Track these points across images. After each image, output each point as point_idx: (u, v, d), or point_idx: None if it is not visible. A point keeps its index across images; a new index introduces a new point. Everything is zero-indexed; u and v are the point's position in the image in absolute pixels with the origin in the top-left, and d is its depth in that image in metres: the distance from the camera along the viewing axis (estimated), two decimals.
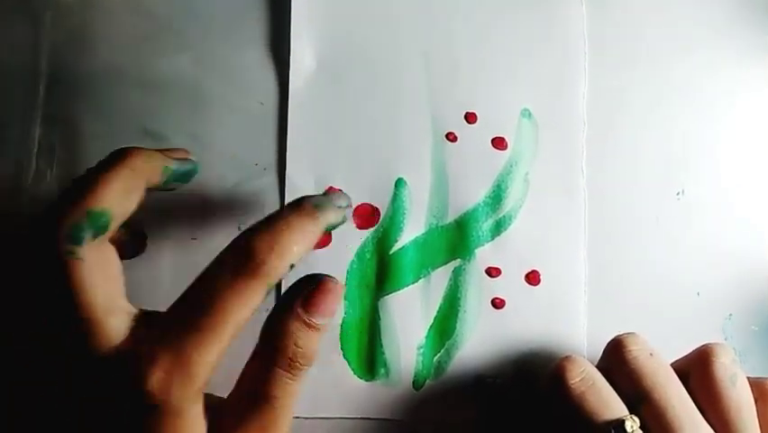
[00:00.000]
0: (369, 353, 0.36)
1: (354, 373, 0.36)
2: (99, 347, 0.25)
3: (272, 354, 0.27)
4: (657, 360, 0.32)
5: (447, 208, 0.37)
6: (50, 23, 0.38)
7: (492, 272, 0.36)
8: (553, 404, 0.32)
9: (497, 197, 0.37)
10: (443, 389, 0.36)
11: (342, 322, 0.36)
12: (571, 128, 0.37)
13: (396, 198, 0.37)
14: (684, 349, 0.33)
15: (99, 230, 0.26)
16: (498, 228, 0.37)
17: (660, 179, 0.37)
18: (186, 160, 0.31)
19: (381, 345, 0.36)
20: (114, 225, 0.27)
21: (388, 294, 0.36)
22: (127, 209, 0.27)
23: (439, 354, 0.36)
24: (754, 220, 0.37)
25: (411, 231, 0.37)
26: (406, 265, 0.36)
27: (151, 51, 0.38)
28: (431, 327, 0.36)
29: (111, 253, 0.27)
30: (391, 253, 0.36)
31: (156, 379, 0.25)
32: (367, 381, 0.36)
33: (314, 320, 0.28)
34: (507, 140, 0.37)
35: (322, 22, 0.37)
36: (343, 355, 0.36)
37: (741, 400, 0.31)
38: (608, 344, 0.33)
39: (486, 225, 0.37)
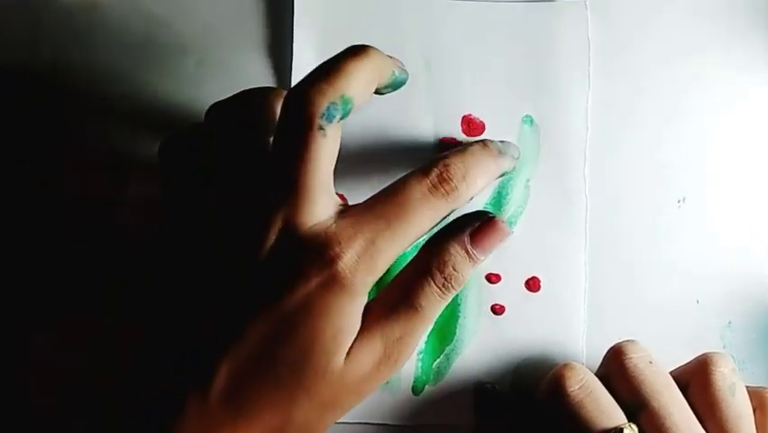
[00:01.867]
0: None
1: None
2: (306, 218, 0.28)
3: (429, 268, 0.29)
4: (657, 368, 0.32)
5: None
6: (51, 24, 0.38)
7: (492, 279, 0.37)
8: (552, 411, 0.32)
9: (498, 203, 0.37)
10: (442, 394, 0.36)
11: None
12: (572, 135, 0.37)
13: None
14: (683, 357, 0.34)
15: (345, 114, 0.28)
16: None
17: (661, 186, 0.37)
18: (403, 69, 0.33)
19: None
20: (351, 114, 0.29)
21: None
22: (363, 102, 0.29)
23: (438, 360, 0.36)
24: (755, 228, 0.37)
25: None
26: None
27: (153, 54, 0.38)
28: (431, 332, 0.36)
29: (339, 138, 0.29)
30: None
31: (349, 259, 0.27)
32: None
33: (475, 252, 0.30)
34: None
35: (324, 26, 0.38)
36: None
37: (740, 410, 0.31)
38: (608, 351, 0.33)
39: None
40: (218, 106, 0.31)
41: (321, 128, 0.27)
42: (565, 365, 0.32)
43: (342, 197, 0.37)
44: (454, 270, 0.29)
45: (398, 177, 0.36)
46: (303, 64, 0.37)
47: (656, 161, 0.37)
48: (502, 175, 0.33)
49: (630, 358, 0.32)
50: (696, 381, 0.32)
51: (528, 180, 0.37)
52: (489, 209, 0.37)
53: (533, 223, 0.37)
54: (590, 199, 0.37)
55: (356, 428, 0.36)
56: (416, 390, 0.36)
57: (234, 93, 0.32)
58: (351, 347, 0.28)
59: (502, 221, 0.30)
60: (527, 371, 0.36)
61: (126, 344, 0.34)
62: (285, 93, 0.29)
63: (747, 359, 0.36)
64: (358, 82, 0.28)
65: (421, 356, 0.36)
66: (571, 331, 0.36)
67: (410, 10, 0.38)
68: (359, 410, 0.36)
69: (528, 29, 0.38)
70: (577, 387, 0.31)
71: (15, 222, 0.37)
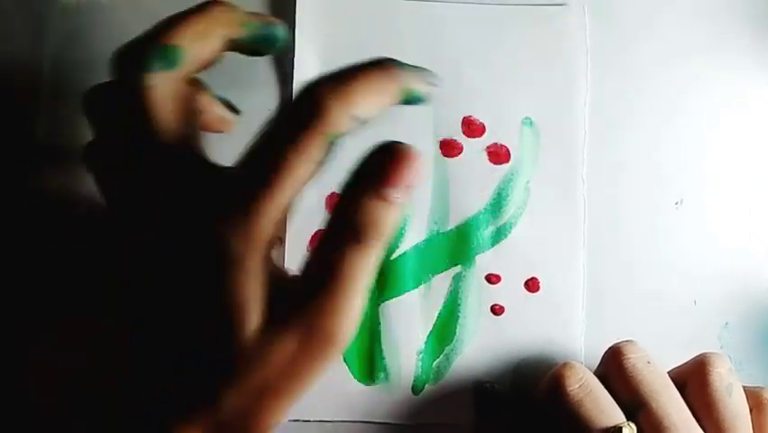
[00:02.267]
0: (369, 357, 0.36)
1: (354, 377, 0.36)
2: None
3: (343, 228, 0.25)
4: (655, 368, 0.32)
5: (448, 215, 0.37)
6: (53, 24, 0.38)
7: (492, 279, 0.37)
8: (551, 410, 0.32)
9: (497, 204, 0.37)
10: (441, 393, 0.36)
11: None
12: (571, 137, 0.37)
13: None
14: (680, 357, 0.34)
15: (170, 63, 0.27)
16: (499, 235, 0.37)
17: (659, 187, 0.37)
18: (270, 22, 0.30)
19: (381, 350, 0.36)
20: (187, 65, 0.27)
21: (388, 299, 0.36)
22: (201, 52, 0.28)
23: (438, 360, 0.36)
24: (752, 229, 0.37)
25: (412, 237, 0.37)
26: (406, 271, 0.37)
27: None
28: (431, 332, 0.36)
29: (190, 93, 0.28)
30: (392, 258, 0.37)
31: (221, 226, 0.24)
32: (367, 385, 0.36)
33: (392, 194, 0.25)
34: (508, 148, 0.37)
35: (326, 29, 0.38)
36: (344, 359, 0.36)
37: (737, 410, 0.31)
38: (607, 351, 0.33)
39: (486, 232, 0.37)
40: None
41: (140, 79, 0.27)
42: (565, 364, 0.32)
43: None
44: (372, 220, 0.25)
45: None
46: (304, 67, 0.37)
47: (654, 163, 0.37)
48: (412, 97, 0.28)
49: (629, 358, 0.32)
50: (693, 381, 0.32)
51: (528, 182, 0.37)
52: (489, 211, 0.37)
53: (532, 224, 0.37)
54: (589, 201, 0.37)
55: (356, 426, 0.36)
56: (415, 389, 0.36)
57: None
58: (267, 327, 0.25)
59: (407, 145, 0.25)
60: (526, 370, 0.36)
61: (126, 344, 0.34)
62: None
63: (744, 359, 0.37)
64: (183, 32, 0.27)
65: (421, 356, 0.36)
66: (569, 331, 0.37)
67: (411, 12, 0.38)
68: (358, 410, 0.36)
69: (528, 32, 0.38)
70: (577, 386, 0.31)
71: (16, 222, 0.37)
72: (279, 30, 0.30)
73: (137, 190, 0.28)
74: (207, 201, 0.25)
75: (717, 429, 0.31)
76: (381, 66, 0.27)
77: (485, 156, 0.37)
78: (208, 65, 0.29)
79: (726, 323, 0.37)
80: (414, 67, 0.28)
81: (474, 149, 0.37)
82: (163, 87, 0.27)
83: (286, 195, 0.24)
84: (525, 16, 0.38)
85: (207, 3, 0.28)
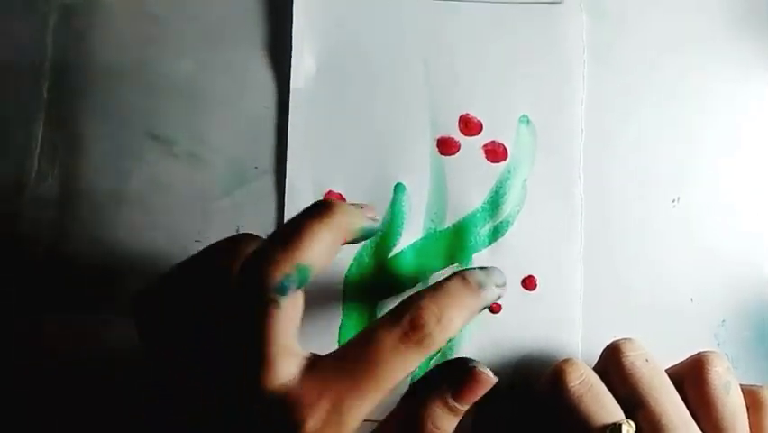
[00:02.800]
0: None
1: None
2: (269, 385, 0.26)
3: (409, 426, 0.28)
4: (653, 366, 0.32)
5: (445, 213, 0.37)
6: (55, 24, 0.38)
7: None
8: (551, 407, 0.32)
9: (495, 202, 0.37)
10: None
11: (341, 326, 0.36)
12: (568, 135, 0.37)
13: (394, 202, 0.37)
14: (677, 355, 0.34)
15: (302, 283, 0.27)
16: (496, 234, 0.37)
17: (656, 186, 0.37)
18: (374, 219, 0.31)
19: None
20: (311, 279, 0.27)
21: (386, 298, 0.36)
22: (325, 264, 0.28)
23: (436, 358, 0.36)
24: (749, 227, 0.37)
25: (409, 236, 0.37)
26: (404, 270, 0.37)
27: (154, 54, 0.38)
28: None
29: (300, 300, 0.28)
30: (390, 257, 0.37)
31: (313, 424, 0.26)
32: None
33: (458, 405, 0.28)
34: (505, 146, 0.37)
35: (323, 25, 0.38)
36: None
37: (734, 409, 0.31)
38: (605, 349, 0.33)
39: (483, 230, 0.37)
40: (184, 266, 0.30)
41: (274, 301, 0.26)
42: (565, 361, 0.32)
43: (339, 196, 0.37)
44: (435, 427, 0.28)
45: (396, 180, 0.37)
46: (301, 64, 0.37)
47: (651, 160, 0.37)
48: (487, 307, 0.30)
49: (627, 356, 0.32)
50: (691, 379, 0.32)
51: (525, 180, 0.37)
52: (487, 209, 0.37)
53: (529, 222, 0.37)
54: (586, 199, 0.37)
55: None
56: None
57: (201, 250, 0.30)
58: None
59: (483, 371, 0.28)
60: (524, 369, 0.36)
61: (126, 343, 0.34)
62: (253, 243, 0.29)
63: (741, 357, 0.37)
64: (318, 248, 0.27)
65: None
66: (566, 329, 0.36)
67: (407, 10, 0.38)
68: None
69: (524, 30, 0.38)
70: (577, 382, 0.31)
71: (16, 221, 0.37)
72: (378, 225, 0.31)
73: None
74: (302, 397, 0.26)
75: (715, 427, 0.31)
76: (470, 287, 0.29)
77: (482, 154, 0.37)
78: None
79: (723, 321, 0.37)
80: (486, 271, 0.30)
81: (471, 147, 0.37)
82: (289, 307, 0.27)
83: (376, 399, 0.27)
84: (522, 14, 0.38)
85: (333, 208, 0.28)
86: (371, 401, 0.27)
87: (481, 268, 0.31)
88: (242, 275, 0.27)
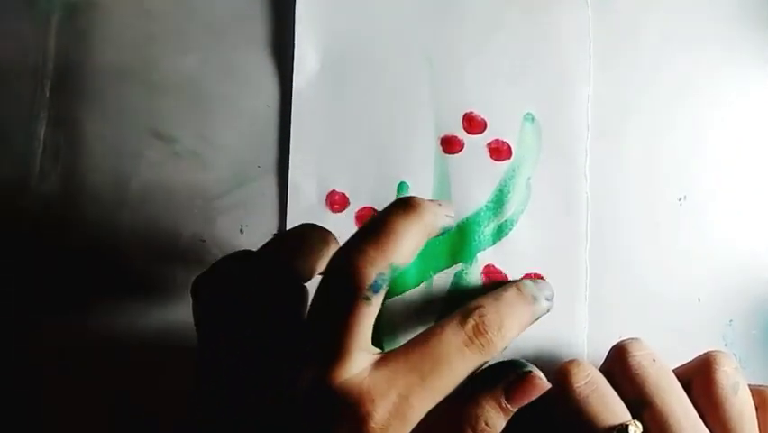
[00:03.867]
0: None
1: None
2: (340, 377, 0.27)
3: (462, 423, 0.29)
4: (660, 366, 0.32)
5: None
6: (57, 24, 0.38)
7: (494, 277, 0.36)
8: (557, 407, 0.32)
9: (499, 201, 0.37)
10: None
11: None
12: (573, 133, 0.37)
13: None
14: (685, 355, 0.33)
15: (391, 280, 0.27)
16: (500, 233, 0.37)
17: (662, 184, 0.37)
18: (452, 216, 0.32)
19: (383, 348, 0.36)
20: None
21: (389, 297, 0.36)
22: (410, 261, 0.28)
23: None
24: (756, 226, 0.37)
25: None
26: (407, 269, 0.36)
27: (156, 53, 0.38)
28: None
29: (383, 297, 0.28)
30: None
31: (380, 416, 0.26)
32: None
33: (509, 406, 0.29)
34: (509, 144, 0.37)
35: (326, 24, 0.38)
36: None
37: (742, 409, 0.31)
38: (612, 348, 0.33)
39: (488, 229, 0.37)
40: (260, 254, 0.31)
41: (367, 298, 0.27)
42: (571, 361, 0.32)
43: (342, 196, 0.37)
44: (487, 425, 0.29)
45: (400, 179, 0.37)
46: (304, 62, 0.37)
47: (657, 159, 0.37)
48: (537, 319, 0.32)
49: (634, 356, 0.32)
50: (699, 379, 0.32)
51: (529, 179, 0.37)
52: (491, 208, 0.37)
53: (534, 221, 0.37)
54: (591, 197, 0.37)
55: None
56: None
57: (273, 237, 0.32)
58: None
59: (539, 377, 0.30)
60: None
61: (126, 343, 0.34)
62: (332, 242, 0.30)
63: (749, 357, 0.36)
64: (408, 247, 0.28)
65: None
66: (572, 328, 0.36)
67: (411, 9, 0.38)
68: None
69: (530, 27, 0.38)
70: (583, 382, 0.31)
71: (16, 221, 0.37)
72: (453, 222, 0.32)
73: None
74: (371, 391, 0.27)
75: (723, 428, 0.31)
76: (526, 299, 0.31)
77: (486, 153, 0.37)
78: None
79: (731, 320, 0.37)
80: (538, 285, 0.32)
81: (475, 145, 0.37)
82: (377, 303, 0.27)
83: (438, 398, 0.28)
84: (526, 10, 0.38)
85: (421, 207, 0.28)
86: (435, 398, 0.27)
87: (532, 280, 0.33)
88: (334, 268, 0.28)
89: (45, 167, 0.37)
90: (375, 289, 0.27)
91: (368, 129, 0.37)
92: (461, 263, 0.37)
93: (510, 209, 0.37)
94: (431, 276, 0.37)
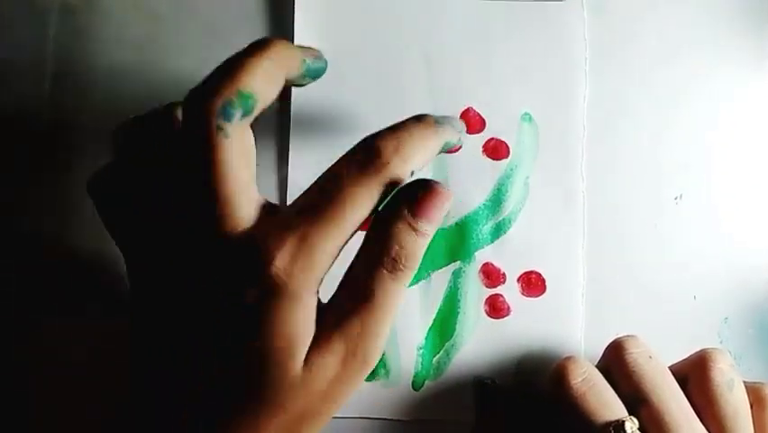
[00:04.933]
0: None
1: None
2: (230, 227, 0.26)
3: (376, 254, 0.27)
4: (656, 363, 0.32)
5: (447, 211, 0.37)
6: (56, 23, 0.38)
7: (492, 275, 0.37)
8: (554, 404, 0.32)
9: (497, 200, 0.37)
10: (441, 389, 0.36)
11: None
12: (571, 132, 0.37)
13: None
14: (680, 352, 0.34)
15: (246, 112, 0.26)
16: (498, 231, 0.37)
17: (658, 183, 0.37)
18: (319, 57, 0.31)
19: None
20: (256, 111, 0.27)
21: None
22: (269, 97, 0.27)
23: (438, 355, 0.36)
24: (751, 225, 0.37)
25: None
26: None
27: (155, 52, 0.38)
28: (430, 328, 0.36)
29: (251, 138, 0.27)
30: None
31: (281, 261, 0.25)
32: (367, 381, 0.36)
33: (420, 225, 0.27)
34: (507, 143, 0.37)
35: (325, 23, 0.38)
36: None
37: (738, 406, 0.31)
38: (608, 346, 0.33)
39: (486, 227, 0.37)
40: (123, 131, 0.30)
41: (220, 128, 0.25)
42: (568, 358, 0.32)
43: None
44: (401, 247, 0.27)
45: None
46: None
47: (653, 158, 0.37)
48: (447, 149, 0.30)
49: (630, 353, 0.32)
50: (694, 376, 0.32)
51: (527, 178, 0.37)
52: (489, 207, 0.37)
53: (532, 220, 0.37)
54: (588, 196, 0.37)
55: (356, 423, 0.36)
56: (415, 385, 0.36)
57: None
58: (309, 352, 0.26)
59: (440, 184, 0.28)
60: (527, 366, 0.36)
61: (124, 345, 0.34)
62: None
63: (744, 354, 0.37)
64: (257, 76, 0.26)
65: (421, 352, 0.36)
66: (569, 326, 0.36)
67: (409, 8, 0.38)
68: (359, 406, 0.36)
69: (526, 27, 0.38)
70: (580, 379, 0.31)
71: (16, 220, 0.37)
72: (324, 62, 0.31)
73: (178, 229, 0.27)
74: (266, 237, 0.26)
75: (718, 425, 0.31)
76: (427, 122, 0.29)
77: (484, 152, 0.37)
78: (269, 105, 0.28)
79: (726, 318, 0.37)
80: (444, 117, 0.30)
81: (473, 144, 0.37)
82: (238, 138, 0.26)
83: (343, 232, 0.26)
84: (524, 11, 0.38)
85: (268, 41, 0.27)
86: (338, 236, 0.26)
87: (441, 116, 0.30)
88: (185, 110, 0.26)
89: (43, 166, 0.37)
90: (226, 116, 0.25)
91: (366, 128, 0.37)
92: (459, 261, 0.37)
93: (508, 208, 0.37)
94: (429, 274, 0.37)
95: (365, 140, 0.28)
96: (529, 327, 0.37)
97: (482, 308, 0.37)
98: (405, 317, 0.36)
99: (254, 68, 0.26)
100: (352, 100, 0.37)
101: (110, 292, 0.36)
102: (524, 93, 0.37)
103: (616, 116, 0.38)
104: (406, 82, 0.37)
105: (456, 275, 0.37)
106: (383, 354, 0.36)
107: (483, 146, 0.37)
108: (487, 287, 0.37)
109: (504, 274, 0.37)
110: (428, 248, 0.36)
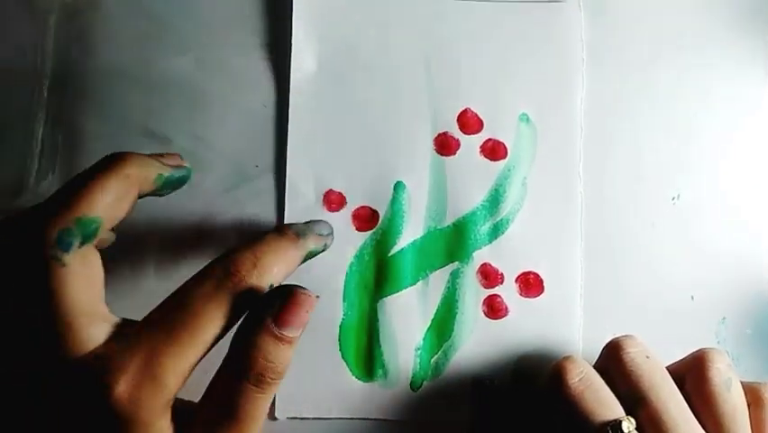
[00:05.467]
0: (367, 354, 0.36)
1: (352, 374, 0.36)
2: (72, 352, 0.25)
3: (241, 368, 0.26)
4: (654, 363, 0.32)
5: (445, 212, 0.37)
6: (55, 24, 0.38)
7: (490, 275, 0.37)
8: (551, 404, 0.32)
9: (495, 200, 0.37)
10: (440, 390, 0.36)
11: (341, 323, 0.36)
12: (568, 133, 0.37)
13: (395, 201, 0.37)
14: (678, 352, 0.34)
15: (87, 238, 0.26)
16: (496, 232, 0.37)
17: (656, 184, 0.37)
18: (179, 166, 0.31)
19: (380, 347, 0.36)
20: (101, 232, 0.26)
21: (386, 296, 0.36)
22: (117, 216, 0.27)
23: (436, 356, 0.36)
24: (749, 225, 0.37)
25: (410, 234, 0.37)
26: (404, 267, 0.37)
27: (153, 53, 0.38)
28: (428, 328, 0.36)
29: (95, 258, 0.27)
30: (390, 255, 0.37)
31: (124, 387, 0.24)
32: (365, 381, 0.36)
33: (285, 333, 0.27)
34: (505, 144, 0.37)
35: (323, 24, 0.38)
36: (342, 356, 0.36)
37: (735, 406, 0.31)
38: (606, 345, 0.33)
39: (484, 228, 0.37)
40: None
41: (56, 259, 0.25)
42: (566, 358, 0.32)
43: (339, 195, 0.37)
44: (267, 361, 0.26)
45: (397, 179, 0.37)
46: (301, 62, 0.37)
47: (651, 159, 0.37)
48: (314, 255, 0.31)
49: (628, 353, 0.32)
50: (692, 376, 0.32)
51: (525, 178, 0.37)
52: (487, 207, 0.37)
53: (529, 220, 0.37)
54: (586, 197, 0.37)
55: (354, 423, 0.36)
56: (414, 386, 0.36)
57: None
58: None
59: (303, 291, 0.27)
60: (525, 366, 0.36)
61: None
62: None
63: (741, 354, 0.37)
64: (102, 199, 0.26)
65: (419, 353, 0.36)
66: (567, 326, 0.37)
67: (408, 9, 0.38)
68: (357, 407, 0.36)
69: (524, 29, 0.38)
70: (577, 379, 0.31)
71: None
72: (186, 171, 0.31)
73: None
74: (109, 359, 0.25)
75: (716, 424, 0.31)
76: (286, 235, 0.29)
77: (482, 152, 0.37)
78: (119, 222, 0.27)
79: (724, 318, 0.37)
80: (307, 223, 0.31)
81: (471, 145, 0.37)
82: (78, 263, 0.25)
83: (194, 351, 0.25)
84: (522, 13, 0.38)
85: (119, 158, 0.27)
86: (190, 356, 0.25)
87: (304, 223, 0.31)
88: (19, 234, 0.25)
89: (43, 166, 0.37)
90: (63, 247, 0.25)
91: (365, 129, 0.37)
92: (457, 262, 0.37)
93: (506, 208, 0.37)
94: (427, 275, 0.37)
95: (223, 255, 0.27)
96: (527, 327, 0.37)
97: (480, 308, 0.37)
98: (403, 318, 0.36)
99: (97, 191, 0.26)
100: (352, 100, 0.37)
101: (108, 292, 0.36)
102: (521, 94, 0.38)
103: (613, 117, 0.38)
104: (404, 82, 0.38)
105: (454, 276, 0.37)
106: (381, 355, 0.36)
107: (481, 147, 0.37)
108: (485, 287, 0.37)
109: (502, 275, 0.37)
110: (426, 249, 0.37)
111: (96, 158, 0.28)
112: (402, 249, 0.37)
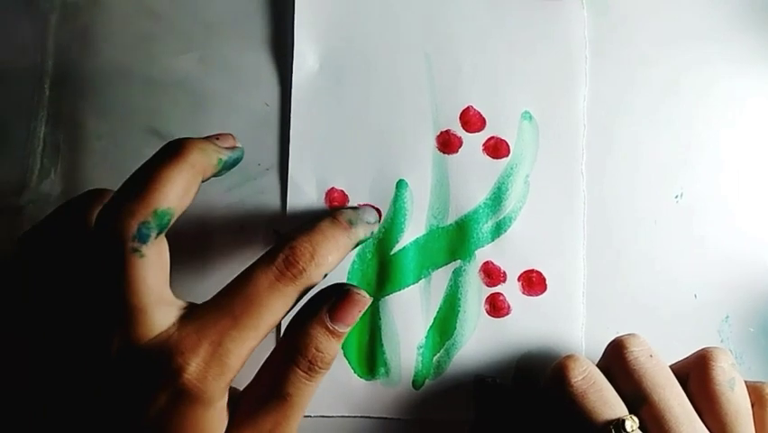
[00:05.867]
0: (369, 352, 0.36)
1: (354, 372, 0.36)
2: (145, 336, 0.26)
3: (293, 354, 0.28)
4: (657, 362, 0.32)
5: (448, 210, 0.37)
6: (56, 23, 0.38)
7: (492, 273, 0.37)
8: (554, 402, 0.32)
9: (497, 199, 0.37)
10: (442, 388, 0.36)
11: None
12: (571, 131, 0.37)
13: (397, 199, 0.37)
14: (681, 351, 0.34)
15: (162, 228, 0.27)
16: (499, 230, 0.37)
17: (659, 181, 0.37)
18: (234, 147, 0.31)
19: (382, 345, 0.36)
20: (172, 222, 0.27)
21: (388, 294, 0.36)
22: (185, 205, 0.28)
23: (439, 354, 0.36)
24: (752, 223, 0.37)
25: (412, 232, 0.37)
26: (406, 266, 0.37)
27: (156, 51, 0.38)
28: (431, 327, 0.36)
29: (165, 246, 0.28)
30: (392, 253, 0.37)
31: (195, 367, 0.26)
32: (367, 380, 0.36)
33: (337, 328, 0.29)
34: (507, 142, 0.37)
35: (325, 23, 0.38)
36: (344, 354, 0.36)
37: (738, 405, 0.31)
38: (609, 344, 0.33)
39: (486, 226, 0.37)
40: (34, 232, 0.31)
41: (135, 250, 0.26)
42: (569, 356, 0.32)
43: (342, 193, 0.37)
44: (318, 350, 0.28)
45: (399, 177, 0.37)
46: (303, 60, 0.37)
47: (653, 157, 0.37)
48: (360, 243, 0.32)
49: (631, 352, 0.32)
50: (695, 375, 0.32)
51: (527, 176, 0.37)
52: (489, 206, 0.37)
53: (532, 218, 0.37)
54: (589, 194, 0.37)
55: (356, 422, 0.36)
56: (416, 384, 0.36)
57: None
58: None
59: (358, 291, 0.30)
60: (527, 364, 0.36)
61: None
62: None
63: (745, 353, 0.37)
64: (174, 190, 0.27)
65: (421, 351, 0.36)
66: (570, 325, 0.36)
67: (409, 6, 0.38)
68: (359, 405, 0.36)
69: (526, 26, 0.38)
70: (580, 378, 0.31)
71: (18, 219, 0.37)
72: (240, 151, 0.31)
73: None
74: (180, 342, 0.26)
75: (719, 424, 0.31)
76: (340, 224, 0.31)
77: (484, 150, 0.37)
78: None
79: (727, 317, 0.37)
80: (356, 210, 0.33)
81: (473, 143, 0.37)
82: (153, 253, 0.26)
83: (257, 337, 0.27)
84: (524, 10, 0.38)
85: (183, 147, 0.27)
86: (252, 340, 0.27)
87: (352, 208, 0.33)
88: (97, 225, 0.26)
89: (45, 165, 0.37)
90: (142, 239, 0.26)
91: (367, 127, 0.37)
92: (459, 260, 0.37)
93: (508, 206, 0.37)
94: (430, 273, 0.37)
95: (284, 243, 0.29)
96: (530, 325, 0.36)
97: (483, 306, 0.37)
98: (405, 316, 0.36)
99: (170, 182, 0.27)
100: (352, 99, 0.37)
101: None
102: (524, 92, 0.37)
103: (616, 115, 0.38)
104: (406, 81, 0.37)
105: (456, 274, 0.37)
106: (384, 353, 0.36)
107: (483, 145, 0.37)
108: (487, 286, 0.37)
109: (504, 273, 0.37)
110: (428, 247, 0.37)
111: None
112: (404, 247, 0.37)
